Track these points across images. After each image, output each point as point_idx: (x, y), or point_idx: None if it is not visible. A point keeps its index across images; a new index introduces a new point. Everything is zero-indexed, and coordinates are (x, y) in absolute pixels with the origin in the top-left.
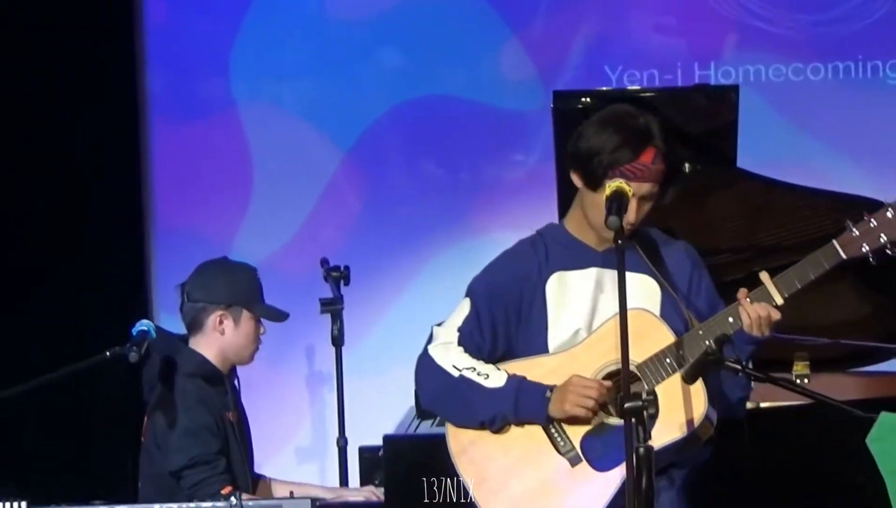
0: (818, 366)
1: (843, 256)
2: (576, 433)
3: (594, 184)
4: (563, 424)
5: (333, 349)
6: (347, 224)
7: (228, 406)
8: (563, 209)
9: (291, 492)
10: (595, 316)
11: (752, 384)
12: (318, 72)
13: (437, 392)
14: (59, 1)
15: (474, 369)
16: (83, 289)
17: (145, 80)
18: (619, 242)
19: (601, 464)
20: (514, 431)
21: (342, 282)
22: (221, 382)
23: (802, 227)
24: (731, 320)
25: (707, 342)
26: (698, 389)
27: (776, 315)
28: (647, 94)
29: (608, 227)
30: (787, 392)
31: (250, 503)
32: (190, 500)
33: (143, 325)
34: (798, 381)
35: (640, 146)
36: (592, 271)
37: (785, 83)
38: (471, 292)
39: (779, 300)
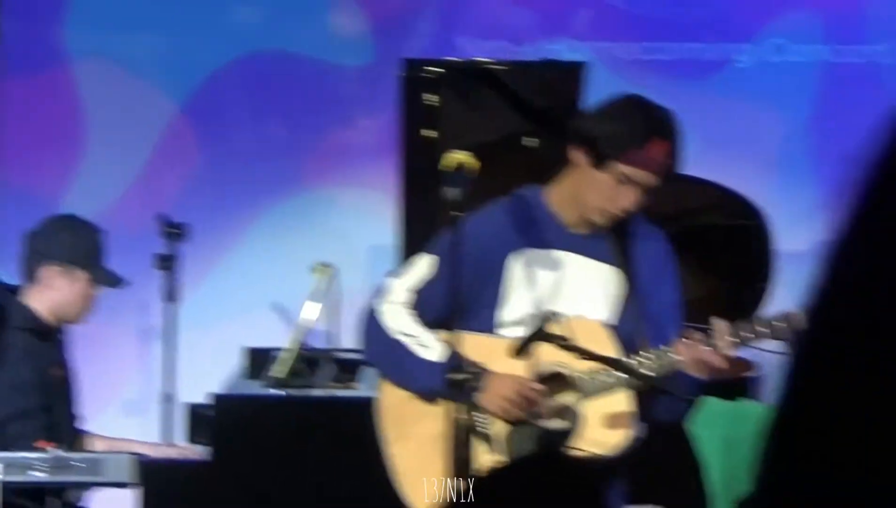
0: None
1: None
2: (499, 422)
3: (601, 161)
4: None
5: (165, 304)
6: (181, 181)
7: (55, 361)
8: (404, 175)
9: (112, 447)
10: (550, 304)
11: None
12: (149, 25)
13: (377, 351)
14: None
15: (415, 337)
16: None
17: None
18: (458, 213)
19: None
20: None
21: (179, 238)
22: (51, 336)
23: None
24: (674, 356)
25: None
26: (626, 410)
27: (718, 363)
28: (496, 66)
29: (447, 198)
30: None
31: (71, 455)
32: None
33: None
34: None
35: (660, 137)
36: (559, 255)
37: (634, 62)
38: (433, 251)
39: (727, 351)
